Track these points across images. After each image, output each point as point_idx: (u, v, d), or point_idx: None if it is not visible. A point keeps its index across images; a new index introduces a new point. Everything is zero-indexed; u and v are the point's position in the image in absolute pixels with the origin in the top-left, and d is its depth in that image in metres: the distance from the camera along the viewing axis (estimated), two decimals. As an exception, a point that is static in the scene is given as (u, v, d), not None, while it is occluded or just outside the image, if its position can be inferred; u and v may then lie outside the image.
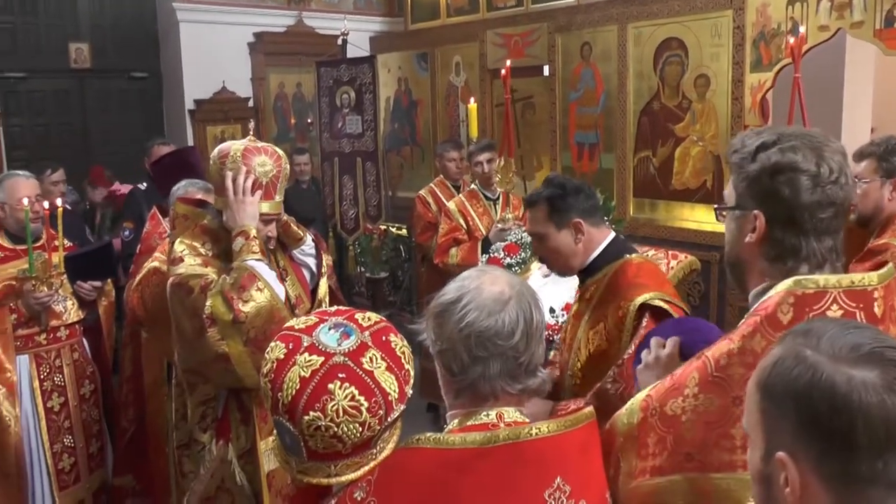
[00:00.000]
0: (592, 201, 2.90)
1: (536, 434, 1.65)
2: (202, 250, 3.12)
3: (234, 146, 3.10)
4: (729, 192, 1.90)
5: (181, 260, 3.05)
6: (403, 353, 1.72)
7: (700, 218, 6.14)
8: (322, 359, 1.64)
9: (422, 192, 6.25)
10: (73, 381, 4.39)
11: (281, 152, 3.20)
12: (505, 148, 4.94)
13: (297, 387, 1.62)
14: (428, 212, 6.07)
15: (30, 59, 8.71)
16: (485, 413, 1.71)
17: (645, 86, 6.45)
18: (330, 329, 1.70)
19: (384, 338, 1.72)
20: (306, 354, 1.65)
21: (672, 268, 3.80)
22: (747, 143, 1.84)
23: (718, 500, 1.66)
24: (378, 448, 1.72)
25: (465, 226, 5.65)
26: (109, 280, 4.69)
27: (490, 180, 5.59)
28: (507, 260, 4.21)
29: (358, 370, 1.64)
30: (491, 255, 4.38)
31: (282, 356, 1.67)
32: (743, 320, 1.77)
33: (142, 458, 4.43)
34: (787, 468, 1.16)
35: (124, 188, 7.03)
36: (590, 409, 1.77)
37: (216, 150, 3.18)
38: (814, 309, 1.69)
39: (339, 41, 8.04)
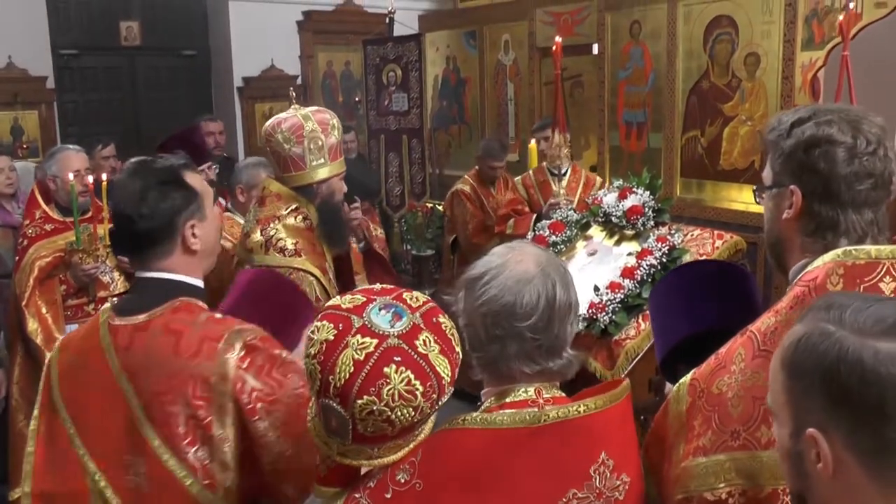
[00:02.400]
0: None
1: (584, 411, 1.66)
2: (300, 223, 3.30)
3: (298, 117, 3.23)
4: (767, 173, 1.88)
5: (275, 245, 3.24)
6: (453, 335, 1.67)
7: (747, 199, 6.04)
8: (376, 341, 1.57)
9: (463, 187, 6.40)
10: (120, 349, 4.52)
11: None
12: (556, 124, 4.94)
13: (351, 370, 1.55)
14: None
15: (82, 37, 8.86)
16: (523, 390, 1.70)
17: (694, 64, 6.38)
18: (380, 310, 1.63)
19: (434, 319, 1.66)
20: (359, 336, 1.58)
21: (717, 248, 3.79)
22: (783, 121, 1.82)
23: (765, 480, 1.62)
24: (419, 430, 1.69)
25: (527, 198, 5.72)
26: None
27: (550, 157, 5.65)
28: (552, 238, 4.20)
29: (413, 353, 1.58)
30: (537, 232, 4.38)
31: (331, 337, 1.58)
32: (788, 292, 1.75)
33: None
34: (819, 444, 1.17)
35: None
36: (626, 381, 1.77)
37: (278, 125, 3.26)
38: (865, 280, 1.66)
39: (387, 20, 8.05)
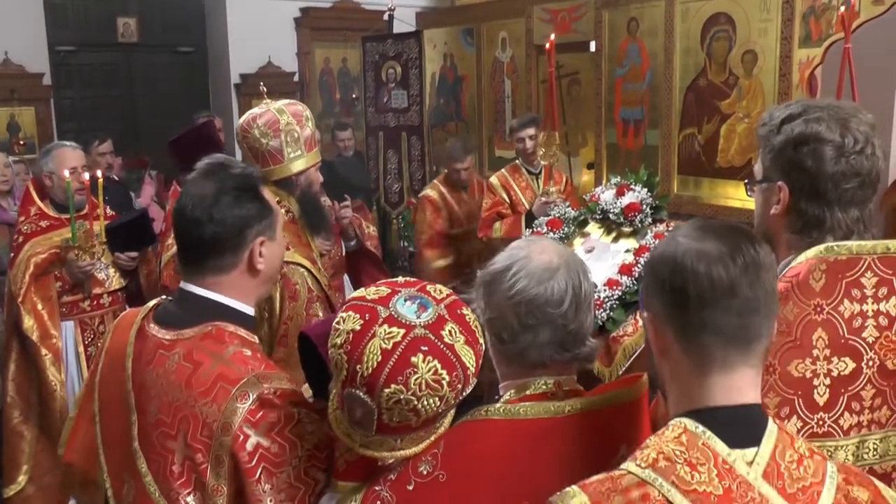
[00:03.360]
0: None
1: (604, 404, 1.69)
2: (284, 217, 3.31)
3: (273, 111, 3.26)
4: (757, 167, 1.93)
5: None
6: (476, 327, 1.69)
7: (744, 196, 5.99)
8: (403, 331, 1.59)
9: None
10: (116, 346, 4.52)
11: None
12: (549, 122, 4.93)
13: (379, 359, 1.56)
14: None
15: (79, 33, 8.88)
16: (543, 382, 1.73)
17: (691, 62, 6.37)
18: (406, 301, 1.66)
19: (458, 311, 1.69)
20: (385, 326, 1.60)
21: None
22: (774, 116, 1.87)
23: None
24: (441, 423, 1.71)
25: (507, 200, 5.68)
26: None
27: (533, 156, 5.59)
28: (550, 235, 4.21)
29: (439, 343, 1.60)
30: (534, 229, 4.38)
31: (357, 327, 1.60)
32: None
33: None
34: (650, 326, 1.50)
35: None
36: (644, 377, 1.80)
37: (253, 120, 3.25)
38: (847, 275, 1.69)
39: (386, 16, 8.05)
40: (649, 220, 4.01)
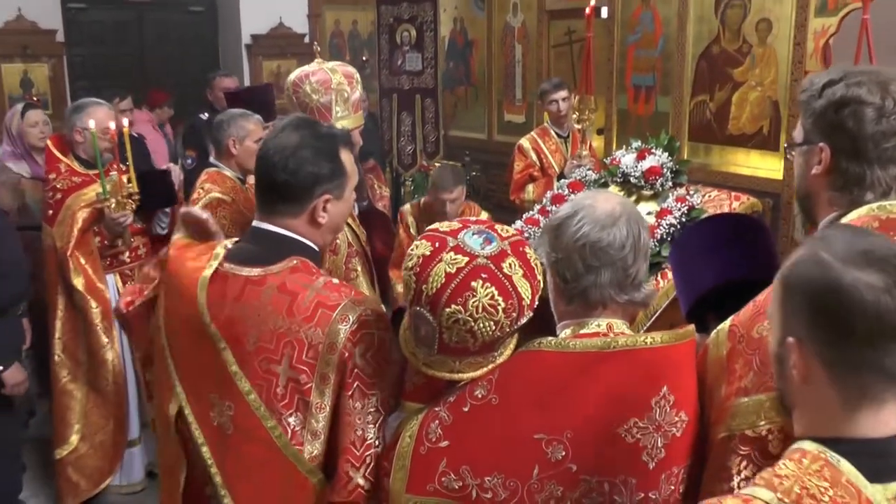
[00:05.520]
0: None
1: (651, 343, 1.80)
2: None
3: (326, 71, 3.34)
4: (798, 130, 2.00)
5: None
6: (536, 264, 1.86)
7: (755, 164, 6.13)
8: (467, 259, 1.77)
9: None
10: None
11: None
12: (583, 85, 4.99)
13: (442, 281, 1.75)
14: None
15: (91, -10, 8.87)
16: (595, 323, 1.85)
17: (705, 29, 6.41)
18: (474, 234, 1.83)
19: (521, 248, 1.85)
20: (451, 253, 1.78)
21: (735, 209, 3.87)
22: (815, 82, 1.94)
23: None
24: (499, 352, 1.86)
25: (538, 163, 5.74)
26: None
27: (564, 118, 5.65)
28: (571, 197, 4.27)
29: (498, 273, 1.76)
30: (556, 191, 4.45)
31: (428, 253, 1.80)
32: None
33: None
34: (793, 351, 1.40)
35: None
36: (691, 326, 1.90)
37: (306, 77, 3.33)
38: None
39: (401, -21, 8.06)
40: (670, 183, 4.08)
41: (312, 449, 2.02)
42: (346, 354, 1.99)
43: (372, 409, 2.01)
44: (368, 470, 1.98)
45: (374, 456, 1.99)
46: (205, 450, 2.14)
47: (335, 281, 2.13)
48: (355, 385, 2.00)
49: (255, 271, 2.11)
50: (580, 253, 1.83)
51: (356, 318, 2.01)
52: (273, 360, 2.03)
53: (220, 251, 2.19)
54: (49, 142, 4.69)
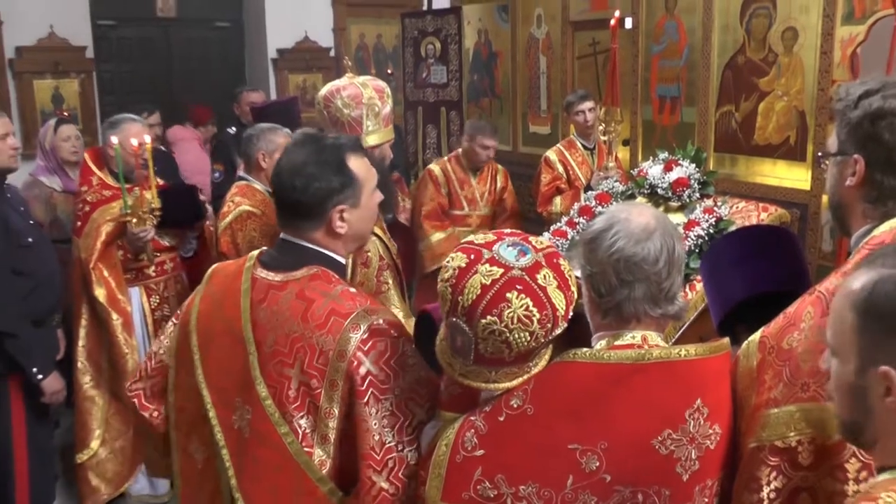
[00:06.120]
0: None
1: (685, 356, 1.81)
2: None
3: (357, 85, 3.37)
4: (832, 140, 1.99)
5: None
6: (570, 276, 1.88)
7: (781, 174, 6.09)
8: (502, 270, 1.79)
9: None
10: (180, 310, 4.65)
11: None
12: (609, 97, 5.00)
13: (478, 292, 1.77)
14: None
15: (119, 7, 8.98)
16: (630, 335, 1.87)
17: (730, 39, 6.39)
18: (508, 246, 1.86)
19: (555, 260, 1.87)
20: (487, 265, 1.80)
21: (763, 220, 3.87)
22: (851, 92, 1.92)
23: (832, 429, 1.69)
24: (534, 362, 1.88)
25: (565, 175, 5.75)
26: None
27: (591, 129, 5.65)
28: (598, 209, 4.29)
29: (533, 284, 1.79)
30: (582, 203, 4.46)
31: (463, 265, 1.82)
32: (853, 255, 1.86)
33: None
34: (892, 380, 1.31)
35: None
36: (726, 339, 1.91)
37: (337, 91, 3.37)
38: None
39: (427, -7, 8.13)
40: (697, 195, 4.08)
41: (322, 453, 2.07)
42: (356, 363, 2.04)
43: (388, 414, 2.04)
44: (392, 473, 2.02)
45: (397, 460, 2.03)
46: (224, 453, 2.21)
47: (352, 290, 2.19)
48: (369, 392, 2.04)
49: (278, 276, 2.19)
50: (614, 267, 1.85)
51: (367, 327, 2.07)
52: (286, 364, 2.09)
53: (254, 253, 2.30)
54: (86, 155, 4.78)
